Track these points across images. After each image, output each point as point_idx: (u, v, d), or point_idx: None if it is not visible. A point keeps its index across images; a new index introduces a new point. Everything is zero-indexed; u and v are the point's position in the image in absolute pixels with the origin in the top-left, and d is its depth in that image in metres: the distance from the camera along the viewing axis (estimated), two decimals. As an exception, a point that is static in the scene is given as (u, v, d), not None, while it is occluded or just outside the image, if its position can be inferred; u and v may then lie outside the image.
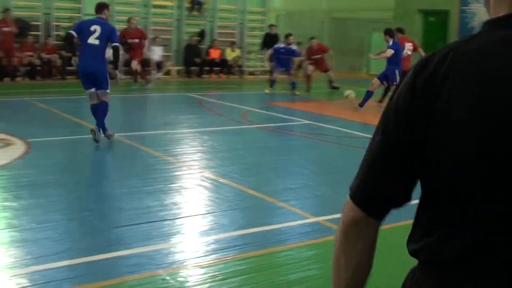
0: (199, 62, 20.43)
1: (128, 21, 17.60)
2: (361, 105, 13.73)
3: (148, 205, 6.07)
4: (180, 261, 4.65)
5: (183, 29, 20.87)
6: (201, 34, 21.08)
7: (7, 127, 9.78)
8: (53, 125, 10.61)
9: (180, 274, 4.41)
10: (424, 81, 1.35)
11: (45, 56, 17.52)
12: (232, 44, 21.39)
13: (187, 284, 4.25)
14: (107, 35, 8.80)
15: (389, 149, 1.44)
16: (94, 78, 8.81)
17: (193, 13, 20.99)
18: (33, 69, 17.34)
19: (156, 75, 19.39)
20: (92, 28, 8.77)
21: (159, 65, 19.52)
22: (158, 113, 13.47)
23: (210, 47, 20.89)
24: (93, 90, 8.92)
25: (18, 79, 17.06)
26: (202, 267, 4.54)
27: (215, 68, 20.89)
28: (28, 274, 4.29)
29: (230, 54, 21.22)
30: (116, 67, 9.53)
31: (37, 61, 17.35)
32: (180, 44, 20.89)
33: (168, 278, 4.30)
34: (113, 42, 8.93)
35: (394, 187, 1.47)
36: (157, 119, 12.29)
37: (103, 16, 9.03)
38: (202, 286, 4.22)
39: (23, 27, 17.48)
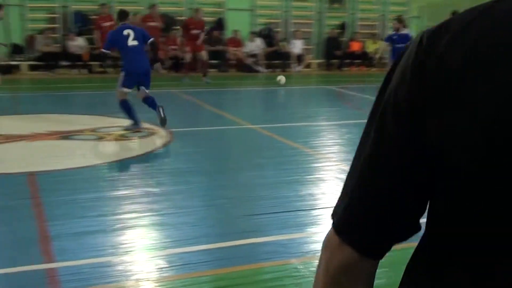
0: (339, 55, 20.32)
1: (196, 10, 17.30)
2: None
3: (284, 195, 6.08)
4: (314, 251, 4.62)
5: (323, 22, 20.83)
6: (342, 26, 20.94)
7: (152, 117, 10.16)
8: (196, 116, 10.93)
9: (313, 264, 4.38)
10: (438, 61, 0.92)
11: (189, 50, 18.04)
12: (373, 36, 21.09)
13: (321, 274, 4.21)
14: (141, 35, 9.31)
15: (388, 153, 0.98)
16: (143, 77, 9.23)
17: (334, 5, 20.89)
18: (177, 62, 17.93)
19: (297, 68, 19.50)
20: (125, 32, 9.21)
21: (299, 58, 19.62)
22: (298, 106, 13.53)
23: (351, 39, 20.71)
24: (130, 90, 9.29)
25: (164, 71, 17.70)
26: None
27: (356, 61, 20.68)
28: (167, 256, 4.43)
29: (371, 46, 20.93)
30: (157, 60, 9.90)
31: (182, 55, 17.90)
32: (321, 37, 20.86)
33: (300, 267, 4.28)
34: (149, 39, 9.42)
35: (398, 210, 1.01)
36: (298, 111, 12.33)
37: (127, 22, 9.56)
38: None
39: (168, 22, 18.13)
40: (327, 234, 1.08)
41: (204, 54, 16.83)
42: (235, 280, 4.13)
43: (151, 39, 9.51)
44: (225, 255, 4.54)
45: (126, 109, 9.28)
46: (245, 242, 4.79)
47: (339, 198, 1.05)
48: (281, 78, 15.65)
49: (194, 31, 16.76)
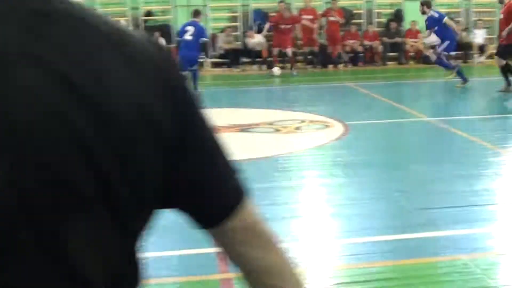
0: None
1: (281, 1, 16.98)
2: None
3: (459, 189, 5.96)
4: (484, 248, 4.50)
5: (509, 10, 19.79)
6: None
7: (328, 111, 10.32)
8: (372, 109, 10.91)
9: (484, 260, 4.27)
10: None
11: (367, 42, 18.01)
12: None
13: (490, 272, 4.10)
14: (198, 33, 12.01)
15: None
16: (186, 65, 11.08)
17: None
18: (355, 56, 17.93)
19: (478, 58, 18.75)
20: (186, 28, 12.13)
21: (481, 49, 18.84)
22: (478, 98, 13.07)
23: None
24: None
25: (340, 66, 17.77)
26: (504, 255, 4.35)
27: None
28: (335, 246, 4.53)
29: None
30: (207, 55, 13.39)
31: (360, 48, 17.90)
32: (505, 26, 19.86)
33: (470, 263, 4.16)
34: (203, 38, 12.40)
35: None
36: (476, 104, 11.94)
37: (197, 19, 12.38)
38: (502, 275, 4.06)
39: (347, 16, 18.14)
40: None
41: (289, 51, 16.78)
42: (405, 273, 4.14)
43: (204, 39, 12.65)
44: (394, 248, 4.55)
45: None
46: (415, 236, 4.76)
47: None
48: (276, 71, 16.16)
49: (283, 26, 16.72)
